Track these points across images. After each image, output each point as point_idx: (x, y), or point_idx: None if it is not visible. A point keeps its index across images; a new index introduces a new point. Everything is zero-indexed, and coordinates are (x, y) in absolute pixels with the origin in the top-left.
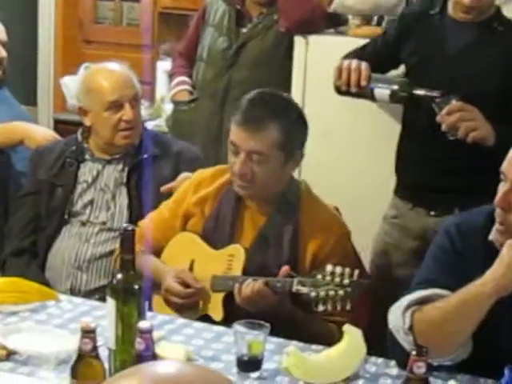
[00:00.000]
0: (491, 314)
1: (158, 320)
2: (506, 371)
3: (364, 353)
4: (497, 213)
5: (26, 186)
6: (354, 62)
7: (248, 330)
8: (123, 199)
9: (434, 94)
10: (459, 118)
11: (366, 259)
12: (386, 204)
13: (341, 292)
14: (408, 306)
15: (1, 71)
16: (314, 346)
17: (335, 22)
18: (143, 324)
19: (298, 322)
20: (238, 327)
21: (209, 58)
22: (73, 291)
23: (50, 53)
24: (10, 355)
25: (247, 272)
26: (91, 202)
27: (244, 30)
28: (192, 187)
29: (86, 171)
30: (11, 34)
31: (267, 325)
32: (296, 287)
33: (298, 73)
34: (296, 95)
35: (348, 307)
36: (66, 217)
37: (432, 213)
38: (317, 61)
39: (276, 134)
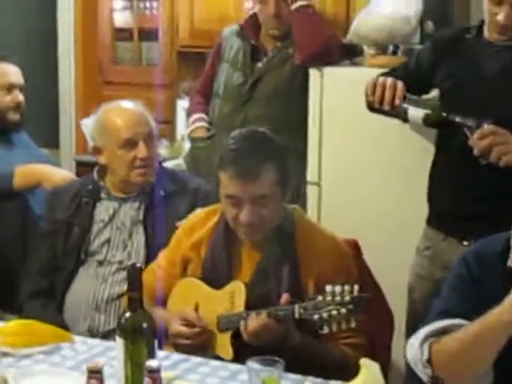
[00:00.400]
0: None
1: (173, 359)
2: None
3: None
4: None
5: (43, 227)
6: (390, 80)
7: (262, 366)
8: (140, 237)
9: (468, 122)
10: (491, 141)
11: (402, 293)
12: (419, 235)
13: (343, 310)
14: (425, 338)
15: (18, 115)
16: (332, 382)
17: (350, 53)
18: (151, 363)
19: (310, 350)
20: (251, 364)
21: (225, 93)
22: (91, 332)
23: (70, 95)
24: None
25: (250, 306)
26: (108, 241)
27: (259, 65)
28: (186, 232)
29: (103, 210)
30: (32, 77)
31: (281, 361)
32: (298, 312)
33: (314, 105)
34: (313, 128)
35: (353, 325)
36: (82, 256)
37: (465, 243)
38: (332, 92)
39: (273, 173)
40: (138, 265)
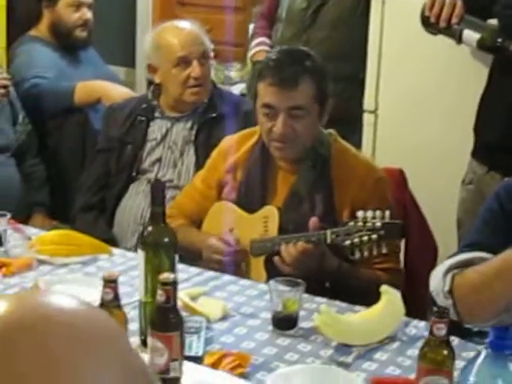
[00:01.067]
0: None
1: (204, 276)
2: (491, 331)
3: (402, 314)
4: None
5: (99, 143)
6: None
7: (284, 287)
8: (190, 157)
9: None
10: None
11: (448, 228)
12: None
13: (374, 236)
14: (449, 269)
15: (86, 32)
16: (357, 307)
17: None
18: (165, 276)
19: (346, 275)
20: (273, 285)
21: (287, 18)
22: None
23: (148, 15)
24: None
25: (283, 231)
26: (159, 160)
27: None
28: (221, 155)
29: (156, 129)
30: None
31: (303, 283)
32: (330, 238)
33: (374, 32)
34: (372, 55)
35: (384, 250)
36: (134, 174)
37: (506, 178)
38: (393, 20)
39: (311, 86)
40: (161, 180)
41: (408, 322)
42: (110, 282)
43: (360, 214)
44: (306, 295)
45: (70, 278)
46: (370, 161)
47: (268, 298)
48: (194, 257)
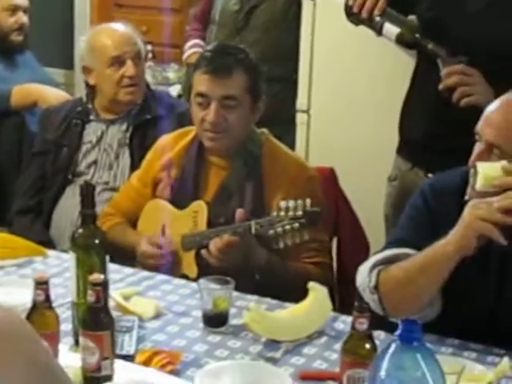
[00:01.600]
0: (462, 272)
1: (137, 276)
2: (400, 323)
3: (329, 310)
4: (471, 173)
5: (34, 146)
6: None
7: (214, 285)
8: (126, 160)
9: (440, 52)
10: (457, 81)
11: (379, 224)
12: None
13: (296, 224)
14: (374, 265)
15: (22, 36)
16: (286, 304)
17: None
18: (93, 277)
19: (276, 268)
20: (203, 283)
21: (221, 20)
22: None
23: (85, 17)
24: None
25: (213, 225)
26: (95, 163)
27: None
28: (156, 154)
29: (91, 132)
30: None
31: (232, 281)
32: (254, 228)
33: (305, 34)
34: (304, 56)
35: (306, 237)
36: (69, 177)
37: (430, 175)
38: (324, 22)
39: (245, 78)
40: (91, 183)
41: (336, 317)
42: (41, 284)
43: (282, 204)
44: (237, 293)
45: (5, 280)
46: (302, 160)
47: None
48: (129, 256)
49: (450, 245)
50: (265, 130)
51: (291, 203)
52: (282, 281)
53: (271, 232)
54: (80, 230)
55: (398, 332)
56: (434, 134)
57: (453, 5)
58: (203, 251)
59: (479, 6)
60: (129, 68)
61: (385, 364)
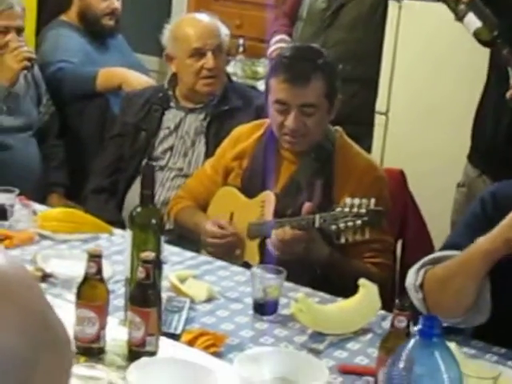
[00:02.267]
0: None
1: (197, 260)
2: (420, 319)
3: (378, 308)
4: None
5: (114, 128)
6: None
7: (266, 274)
8: (201, 147)
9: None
10: None
11: (444, 228)
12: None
13: (358, 222)
14: (423, 265)
15: (113, 21)
16: (339, 299)
17: None
18: (145, 254)
19: (337, 264)
20: (255, 271)
21: (308, 17)
22: None
23: (182, 8)
24: (45, 277)
25: (280, 217)
26: (171, 148)
27: None
28: (230, 143)
29: (170, 118)
30: None
31: (284, 270)
32: (318, 222)
33: (389, 36)
34: (386, 58)
35: (367, 236)
36: (145, 160)
37: (495, 183)
38: (409, 25)
39: (322, 83)
40: (151, 164)
41: (386, 316)
42: (94, 257)
43: (348, 200)
44: (291, 284)
45: (68, 253)
46: (371, 160)
47: None
48: (196, 238)
49: (486, 243)
50: (338, 128)
51: (356, 201)
52: (341, 277)
53: (334, 227)
54: (138, 209)
55: (417, 327)
56: (502, 142)
57: None
58: (269, 239)
59: None
60: (209, 60)
61: (403, 358)
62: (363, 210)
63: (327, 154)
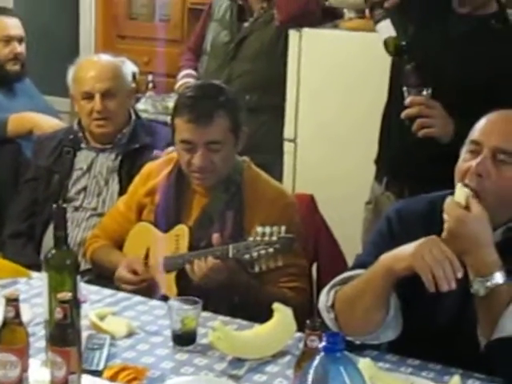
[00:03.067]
0: (423, 292)
1: (116, 297)
2: (324, 336)
3: (293, 330)
4: (471, 180)
5: (27, 172)
6: None
7: (182, 305)
8: (115, 186)
9: (412, 79)
10: (417, 112)
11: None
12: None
13: (270, 250)
14: (333, 286)
15: (18, 66)
16: (257, 325)
17: (332, 16)
18: (61, 295)
19: (254, 290)
20: (171, 303)
21: (212, 51)
22: None
23: (90, 47)
24: None
25: (194, 249)
26: (84, 189)
27: (245, 25)
28: (141, 180)
29: (82, 159)
30: (54, 32)
31: (200, 301)
32: (232, 252)
33: (292, 65)
34: (291, 87)
35: (280, 263)
36: (60, 202)
37: (400, 200)
38: (310, 52)
39: (225, 120)
40: (62, 205)
41: (302, 337)
42: (12, 301)
43: (259, 229)
44: (208, 314)
45: None
46: (280, 187)
47: None
48: (113, 277)
49: (389, 259)
50: (246, 158)
51: (267, 229)
52: (259, 304)
53: (247, 256)
54: (52, 252)
55: (322, 344)
56: (402, 159)
57: (431, 35)
58: (188, 268)
59: (451, 40)
60: (96, 103)
61: (310, 374)
62: (274, 238)
63: (236, 185)
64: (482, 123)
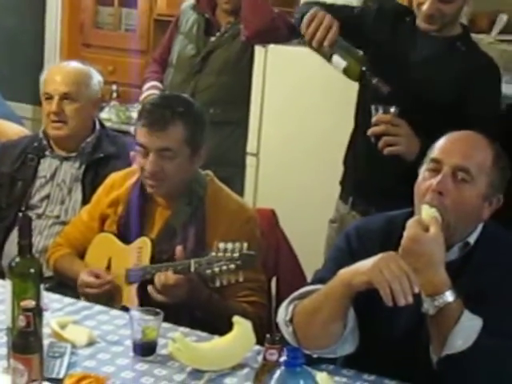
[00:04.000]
0: (378, 304)
1: (77, 306)
2: (285, 351)
3: (252, 343)
4: (432, 198)
5: None
6: (327, 20)
7: (142, 316)
8: (78, 195)
9: (384, 87)
10: (383, 130)
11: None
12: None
13: (232, 266)
14: (291, 300)
15: None
16: (216, 337)
17: (299, 33)
18: (24, 303)
19: (215, 304)
20: (133, 313)
21: (178, 64)
22: None
23: (55, 55)
24: None
25: (157, 261)
26: (48, 197)
27: (212, 39)
28: (105, 190)
29: (45, 167)
30: (20, 36)
31: (161, 312)
32: (194, 267)
33: (257, 79)
34: (255, 101)
35: (241, 279)
36: (23, 209)
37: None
38: (275, 68)
39: (182, 130)
40: (28, 214)
41: (261, 350)
42: None
43: (221, 245)
44: (169, 325)
45: None
46: (241, 201)
47: None
48: (75, 285)
49: (348, 275)
50: (209, 172)
51: (229, 245)
52: (219, 318)
53: (209, 271)
54: (17, 260)
55: (282, 358)
56: (368, 179)
57: (396, 54)
58: (149, 287)
59: (417, 59)
60: (53, 105)
61: None
62: (236, 254)
63: (199, 199)
64: (442, 142)
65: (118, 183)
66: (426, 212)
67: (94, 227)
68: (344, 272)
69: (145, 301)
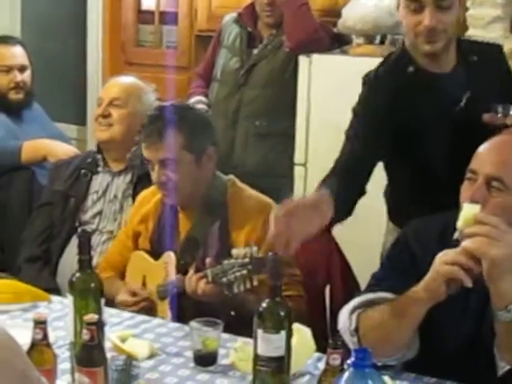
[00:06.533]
0: (441, 313)
1: (135, 320)
2: (353, 352)
3: (312, 350)
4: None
5: (42, 197)
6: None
7: (202, 327)
8: (130, 210)
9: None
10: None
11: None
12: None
13: (244, 272)
14: (354, 309)
15: (21, 94)
16: None
17: (341, 42)
18: (88, 317)
19: (251, 303)
20: (193, 324)
21: (222, 77)
22: None
23: (98, 74)
24: None
25: (182, 274)
26: (100, 213)
27: (255, 51)
28: (136, 207)
29: (98, 183)
30: (62, 60)
31: (221, 322)
32: (211, 277)
33: (302, 90)
34: (300, 111)
35: (255, 283)
36: (76, 225)
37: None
38: (320, 78)
39: (178, 138)
40: (88, 230)
41: (321, 357)
42: (40, 323)
43: (234, 251)
44: (228, 335)
45: (10, 323)
46: (265, 199)
47: None
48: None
49: (421, 291)
50: (232, 177)
51: (242, 250)
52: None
53: (224, 280)
54: (77, 275)
55: (351, 360)
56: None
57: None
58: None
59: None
60: (100, 108)
61: None
62: (247, 260)
63: (220, 204)
64: (479, 150)
65: (147, 199)
66: (468, 209)
67: (130, 246)
68: (417, 287)
69: (177, 314)
